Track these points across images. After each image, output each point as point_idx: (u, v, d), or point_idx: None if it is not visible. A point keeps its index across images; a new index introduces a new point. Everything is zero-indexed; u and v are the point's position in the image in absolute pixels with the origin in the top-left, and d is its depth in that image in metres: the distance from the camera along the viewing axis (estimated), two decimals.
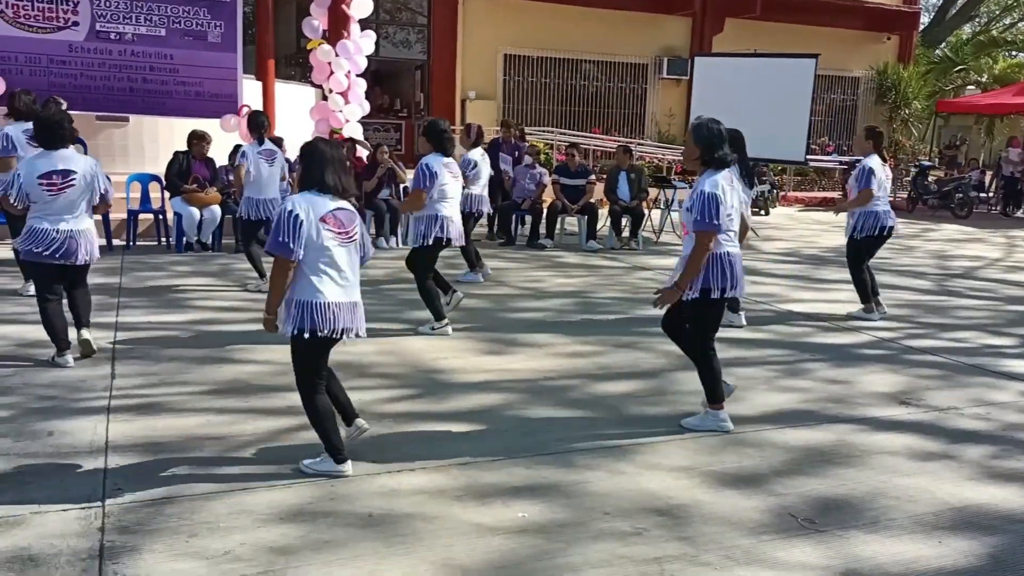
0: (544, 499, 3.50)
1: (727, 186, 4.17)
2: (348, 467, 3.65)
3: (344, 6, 11.24)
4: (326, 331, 3.51)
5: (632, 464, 3.91)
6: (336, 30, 11.29)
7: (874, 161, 6.75)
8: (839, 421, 4.57)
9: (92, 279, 7.52)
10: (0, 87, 9.15)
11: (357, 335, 3.65)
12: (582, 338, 6.12)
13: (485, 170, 7.97)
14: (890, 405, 4.86)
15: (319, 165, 3.55)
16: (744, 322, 6.56)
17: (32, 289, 5.80)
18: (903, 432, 4.43)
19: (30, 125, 5.84)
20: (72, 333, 5.14)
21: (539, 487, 3.62)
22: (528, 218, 10.70)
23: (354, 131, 11.42)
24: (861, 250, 6.93)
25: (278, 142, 9.38)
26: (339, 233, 3.54)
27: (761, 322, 6.83)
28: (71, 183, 4.89)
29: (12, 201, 4.89)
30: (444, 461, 3.84)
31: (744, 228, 4.70)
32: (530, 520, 3.32)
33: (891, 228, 6.83)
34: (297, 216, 3.43)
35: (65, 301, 5.21)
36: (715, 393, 4.37)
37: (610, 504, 3.48)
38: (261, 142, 7.32)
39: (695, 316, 4.34)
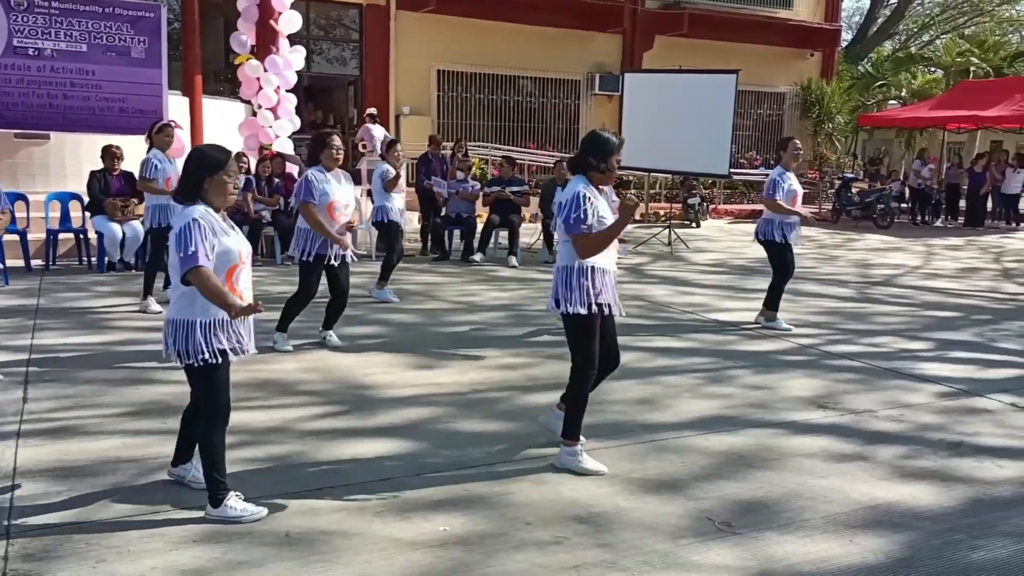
0: (467, 512, 3.50)
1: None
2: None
3: (272, 21, 11.16)
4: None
5: (556, 474, 3.92)
6: (265, 45, 11.20)
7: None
8: (759, 426, 4.67)
9: (7, 301, 7.34)
10: None
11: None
12: (513, 350, 6.14)
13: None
14: (808, 409, 4.99)
15: None
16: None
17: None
18: (820, 435, 4.55)
19: None
20: None
21: (462, 500, 3.61)
22: (463, 232, 10.72)
23: (284, 146, 11.30)
24: None
25: None
26: None
27: (688, 331, 6.96)
28: None
29: None
30: (367, 478, 3.80)
31: None
32: (451, 533, 3.31)
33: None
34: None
35: None
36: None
37: (532, 514, 3.49)
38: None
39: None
